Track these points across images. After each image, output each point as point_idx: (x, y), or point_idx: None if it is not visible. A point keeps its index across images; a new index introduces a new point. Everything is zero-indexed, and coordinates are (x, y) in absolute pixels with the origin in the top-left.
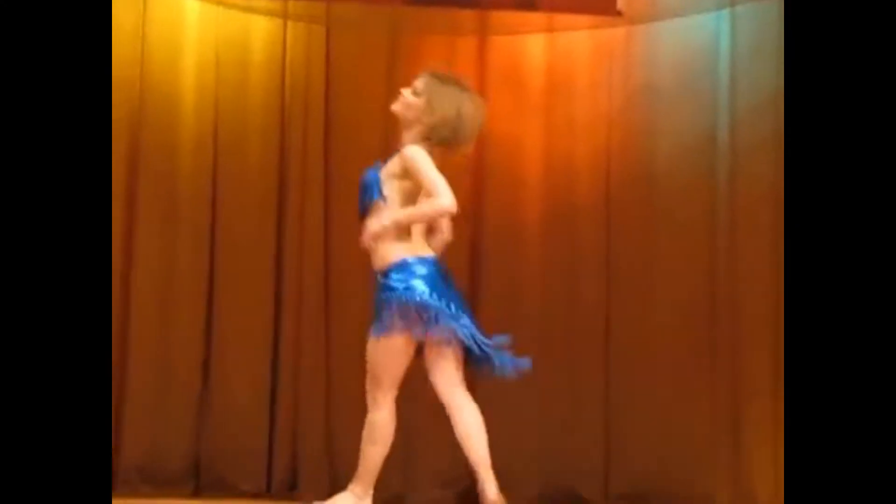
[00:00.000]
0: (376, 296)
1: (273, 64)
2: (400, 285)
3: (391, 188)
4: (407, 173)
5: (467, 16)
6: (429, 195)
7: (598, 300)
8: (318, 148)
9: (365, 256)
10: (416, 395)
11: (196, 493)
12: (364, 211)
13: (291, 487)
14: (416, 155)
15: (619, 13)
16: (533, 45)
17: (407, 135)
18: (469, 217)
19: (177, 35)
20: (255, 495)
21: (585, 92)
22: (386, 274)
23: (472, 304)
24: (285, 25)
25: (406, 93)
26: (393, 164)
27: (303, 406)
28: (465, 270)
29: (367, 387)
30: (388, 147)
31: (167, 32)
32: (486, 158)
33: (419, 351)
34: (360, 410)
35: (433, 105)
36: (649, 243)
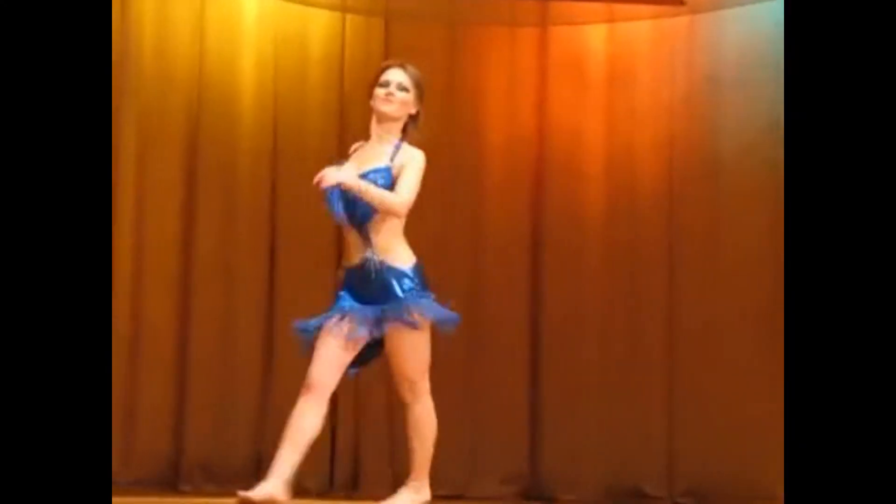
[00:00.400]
0: (396, 287)
1: (332, 58)
2: (421, 285)
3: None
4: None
5: (528, 6)
6: (397, 191)
7: (661, 293)
8: None
9: (428, 245)
10: (481, 393)
11: None
12: (365, 214)
13: (354, 486)
14: (421, 161)
15: (681, 2)
16: (594, 35)
17: (392, 126)
18: (531, 207)
19: (235, 31)
20: (320, 494)
21: (647, 82)
22: (405, 273)
23: (534, 294)
24: (344, 19)
25: (397, 92)
26: (399, 160)
27: (364, 403)
28: (528, 261)
29: (415, 378)
30: (450, 142)
31: (226, 28)
32: (547, 150)
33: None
34: None
35: (419, 97)
36: (712, 234)
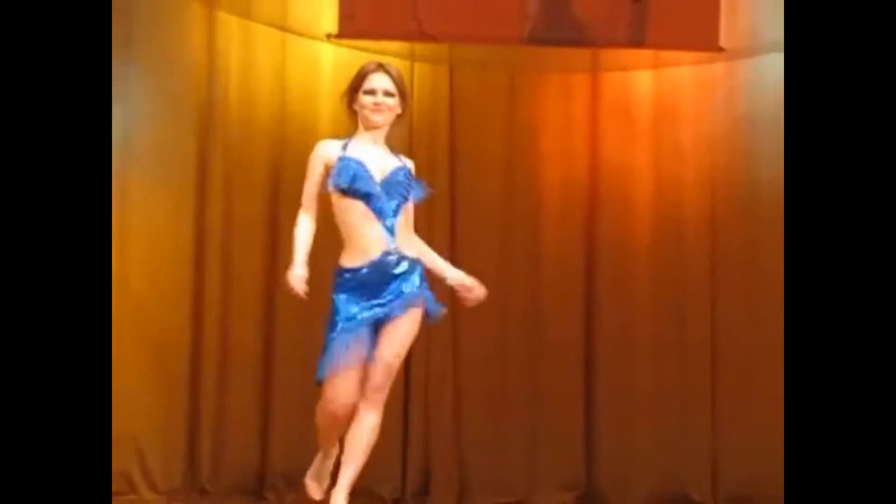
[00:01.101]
0: (415, 278)
1: None
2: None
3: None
4: None
5: (580, 54)
6: (412, 219)
7: (705, 314)
8: (444, 182)
9: (491, 272)
10: (540, 407)
11: None
12: (396, 207)
13: (424, 492)
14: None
15: (720, 49)
16: (641, 79)
17: (383, 129)
18: (584, 238)
19: (313, 77)
20: (395, 500)
21: (690, 121)
22: (419, 268)
23: (588, 315)
24: (412, 67)
25: (385, 100)
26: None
27: (433, 411)
28: (582, 287)
29: (398, 359)
30: (510, 180)
31: (305, 74)
32: (599, 184)
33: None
34: (487, 414)
35: (403, 97)
36: (752, 259)
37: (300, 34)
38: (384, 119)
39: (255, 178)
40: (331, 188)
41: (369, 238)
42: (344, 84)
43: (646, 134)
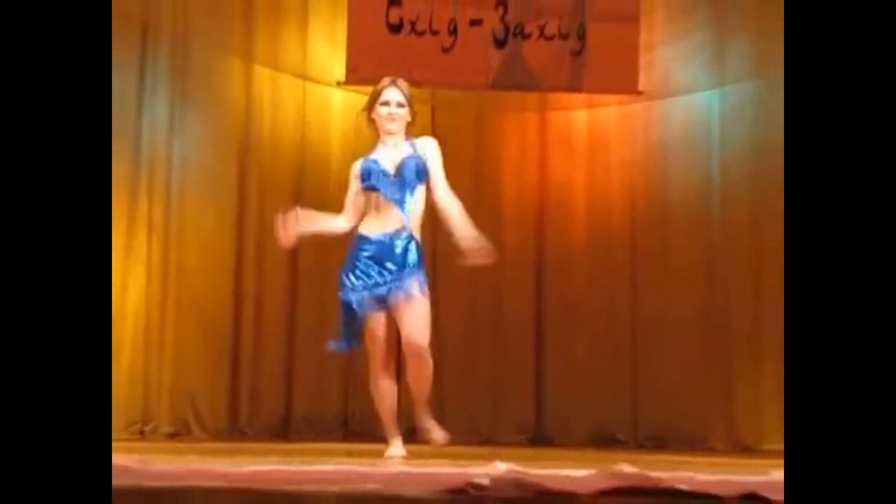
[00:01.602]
0: (414, 256)
1: None
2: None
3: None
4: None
5: (532, 97)
6: (442, 185)
7: (626, 290)
8: None
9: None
10: (501, 365)
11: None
12: (403, 195)
13: (412, 432)
14: (437, 148)
15: (639, 93)
16: (579, 116)
17: (391, 131)
18: (535, 235)
19: (327, 113)
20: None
21: (616, 148)
22: (421, 251)
23: (538, 297)
24: None
25: (397, 110)
26: (420, 149)
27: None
28: (533, 273)
29: (425, 341)
30: (477, 193)
31: (320, 111)
32: (546, 196)
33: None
34: (460, 372)
35: (412, 107)
36: (664, 252)
37: (317, 82)
38: (397, 127)
39: (282, 192)
40: (361, 188)
41: (387, 216)
42: (350, 119)
43: (582, 158)
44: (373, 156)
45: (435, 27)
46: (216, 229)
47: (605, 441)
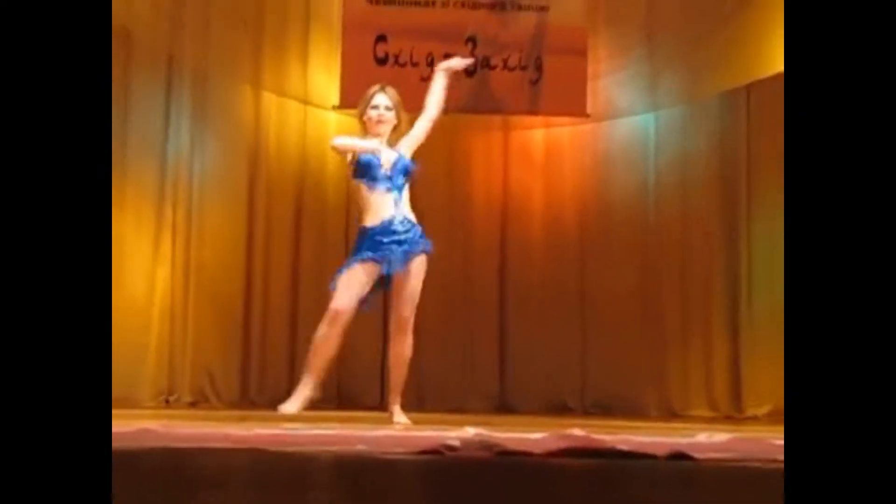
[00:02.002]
0: (417, 229)
1: None
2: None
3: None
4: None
5: (497, 119)
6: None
7: (576, 279)
8: None
9: (438, 256)
10: (470, 339)
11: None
12: (400, 185)
13: None
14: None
15: (588, 115)
16: (536, 135)
17: (380, 133)
18: (500, 232)
19: (325, 131)
20: (373, 407)
21: (569, 162)
22: (413, 223)
23: (501, 285)
24: None
25: (385, 113)
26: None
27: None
28: (497, 265)
29: (412, 314)
30: (450, 200)
31: (319, 129)
32: (508, 203)
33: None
34: (436, 346)
35: (399, 111)
36: (606, 245)
37: (316, 105)
38: (385, 129)
39: (286, 198)
40: (358, 180)
41: (384, 206)
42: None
43: (539, 170)
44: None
45: (415, 60)
46: (230, 229)
47: (558, 408)
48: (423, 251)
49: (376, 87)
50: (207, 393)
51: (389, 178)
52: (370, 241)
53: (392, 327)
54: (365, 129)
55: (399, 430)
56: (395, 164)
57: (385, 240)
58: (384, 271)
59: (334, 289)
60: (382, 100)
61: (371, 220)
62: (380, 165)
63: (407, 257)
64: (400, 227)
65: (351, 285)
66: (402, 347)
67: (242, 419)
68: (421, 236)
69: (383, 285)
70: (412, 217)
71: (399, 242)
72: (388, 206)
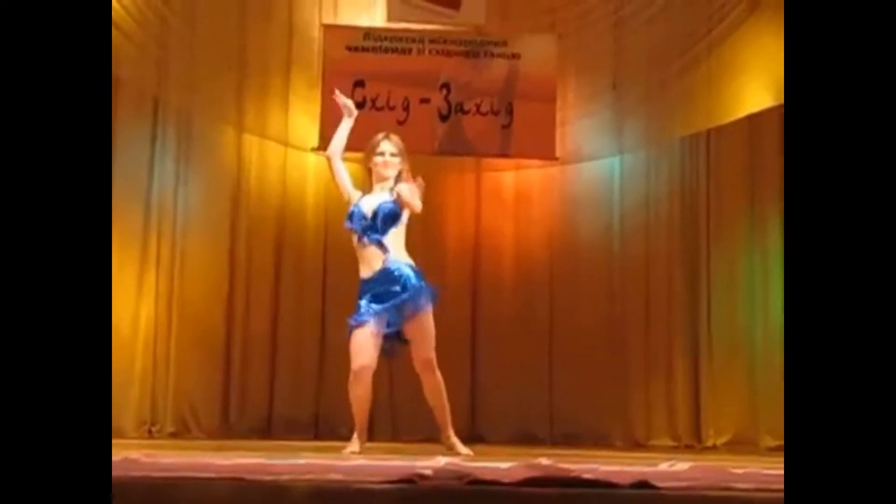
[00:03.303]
0: (411, 276)
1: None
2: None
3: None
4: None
5: (470, 161)
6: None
7: (546, 309)
8: None
9: None
10: (441, 365)
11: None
12: (378, 232)
13: (371, 430)
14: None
15: (556, 158)
16: (507, 177)
17: (386, 181)
18: (471, 267)
19: (303, 171)
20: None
21: (538, 203)
22: (416, 270)
23: (473, 315)
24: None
25: (391, 159)
26: (398, 190)
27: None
28: (469, 295)
29: (433, 353)
30: (426, 238)
31: (298, 169)
32: (480, 241)
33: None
34: (408, 376)
35: (404, 158)
36: (573, 278)
37: (295, 147)
38: (391, 172)
39: (266, 235)
40: (348, 226)
41: (371, 256)
42: (322, 177)
43: (510, 211)
44: (360, 201)
45: (391, 104)
46: (212, 265)
47: (527, 439)
48: (420, 308)
49: (381, 135)
50: (189, 422)
51: (373, 228)
52: (370, 295)
53: (418, 369)
54: (371, 176)
55: (464, 459)
56: (377, 212)
57: (381, 290)
58: (388, 330)
59: (348, 334)
60: (388, 146)
61: (364, 272)
62: (362, 216)
63: (404, 315)
64: (393, 278)
65: (364, 346)
66: (433, 384)
67: (223, 449)
68: (417, 286)
69: (398, 338)
70: (405, 261)
71: (394, 295)
72: (376, 257)
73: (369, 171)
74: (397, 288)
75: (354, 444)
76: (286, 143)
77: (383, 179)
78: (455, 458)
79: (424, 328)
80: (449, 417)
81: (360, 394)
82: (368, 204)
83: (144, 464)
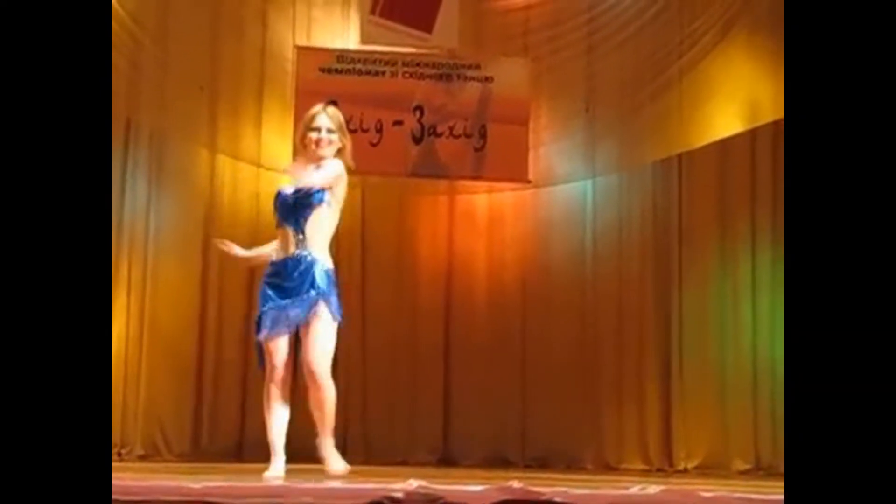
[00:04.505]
0: (318, 279)
1: None
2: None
3: (330, 195)
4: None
5: (443, 183)
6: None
7: (518, 332)
8: (358, 259)
9: (388, 307)
10: (411, 393)
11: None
12: (297, 218)
13: (343, 452)
14: (337, 166)
15: (529, 181)
16: (481, 199)
17: (322, 156)
18: (444, 287)
19: (268, 195)
20: (321, 459)
21: (510, 225)
22: (327, 272)
23: (447, 338)
24: None
25: (326, 136)
26: (325, 177)
27: (348, 394)
28: (442, 317)
29: (326, 365)
30: (400, 258)
31: (271, 190)
32: (453, 261)
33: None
34: (380, 398)
35: (343, 133)
36: (546, 299)
37: (269, 168)
38: (327, 151)
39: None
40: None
41: (286, 241)
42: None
43: (483, 234)
44: (284, 186)
45: (365, 126)
46: (183, 287)
47: (499, 462)
48: (312, 317)
49: (318, 107)
50: (159, 445)
51: (290, 211)
52: (269, 287)
53: (304, 376)
54: (304, 154)
55: (333, 474)
56: (298, 190)
57: (275, 284)
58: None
59: (260, 366)
60: (324, 121)
61: (276, 253)
62: (284, 195)
63: (296, 316)
64: (295, 276)
65: (271, 361)
66: (315, 395)
67: (192, 472)
68: (322, 289)
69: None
70: (316, 254)
71: (287, 292)
72: (289, 242)
73: (303, 148)
74: (289, 286)
75: (275, 468)
76: (259, 164)
77: (318, 160)
78: (426, 482)
79: (316, 336)
80: (328, 428)
81: (271, 411)
82: (294, 183)
83: (114, 487)
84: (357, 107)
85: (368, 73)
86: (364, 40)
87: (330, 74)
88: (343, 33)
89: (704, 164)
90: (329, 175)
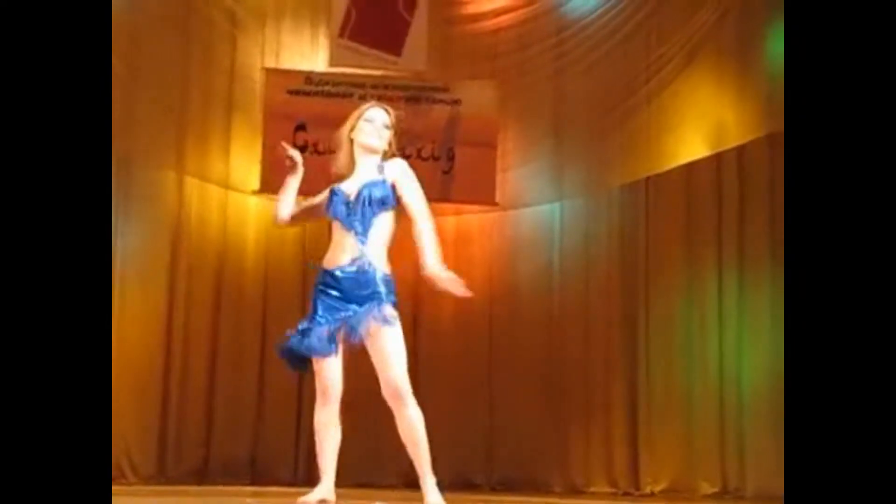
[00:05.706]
0: (379, 287)
1: (297, 233)
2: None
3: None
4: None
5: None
6: (422, 212)
7: (486, 362)
8: None
9: None
10: (379, 412)
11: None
12: (364, 220)
13: (316, 477)
14: (408, 168)
15: (496, 204)
16: (450, 221)
17: (375, 157)
18: (413, 312)
19: (244, 214)
20: (291, 482)
21: (480, 246)
22: (387, 280)
23: (412, 362)
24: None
25: (384, 131)
26: (393, 176)
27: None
28: (409, 343)
29: (405, 379)
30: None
31: (239, 214)
32: (422, 280)
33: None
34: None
35: (395, 134)
36: (514, 314)
37: (236, 190)
38: (380, 143)
39: (206, 278)
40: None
41: (342, 247)
42: (264, 221)
43: (450, 254)
44: (341, 184)
45: (333, 149)
46: (151, 308)
47: (465, 485)
48: (381, 325)
49: (373, 102)
50: (124, 468)
51: (350, 212)
52: (320, 295)
53: (384, 396)
54: (350, 151)
55: None
56: (360, 193)
57: (331, 293)
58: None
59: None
60: (381, 115)
61: (327, 262)
62: (342, 198)
63: (357, 330)
64: (353, 280)
65: (329, 364)
66: (401, 420)
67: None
68: (383, 296)
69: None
70: (377, 264)
71: (349, 302)
72: (347, 248)
73: (349, 143)
74: (356, 296)
75: (319, 490)
76: (227, 186)
77: (370, 151)
78: None
79: (379, 347)
80: (423, 462)
81: (326, 429)
82: (352, 184)
83: None
84: (324, 129)
85: (337, 95)
86: (333, 63)
87: (298, 96)
88: (312, 56)
89: (671, 187)
90: (403, 176)
